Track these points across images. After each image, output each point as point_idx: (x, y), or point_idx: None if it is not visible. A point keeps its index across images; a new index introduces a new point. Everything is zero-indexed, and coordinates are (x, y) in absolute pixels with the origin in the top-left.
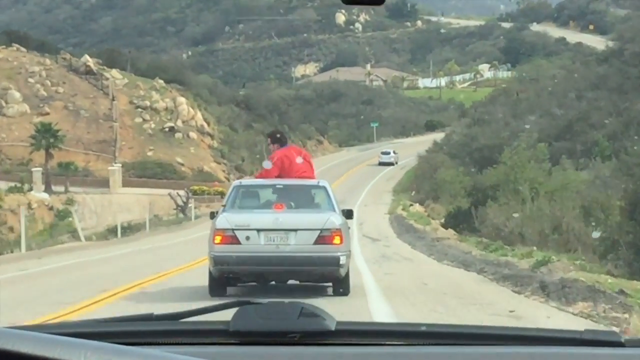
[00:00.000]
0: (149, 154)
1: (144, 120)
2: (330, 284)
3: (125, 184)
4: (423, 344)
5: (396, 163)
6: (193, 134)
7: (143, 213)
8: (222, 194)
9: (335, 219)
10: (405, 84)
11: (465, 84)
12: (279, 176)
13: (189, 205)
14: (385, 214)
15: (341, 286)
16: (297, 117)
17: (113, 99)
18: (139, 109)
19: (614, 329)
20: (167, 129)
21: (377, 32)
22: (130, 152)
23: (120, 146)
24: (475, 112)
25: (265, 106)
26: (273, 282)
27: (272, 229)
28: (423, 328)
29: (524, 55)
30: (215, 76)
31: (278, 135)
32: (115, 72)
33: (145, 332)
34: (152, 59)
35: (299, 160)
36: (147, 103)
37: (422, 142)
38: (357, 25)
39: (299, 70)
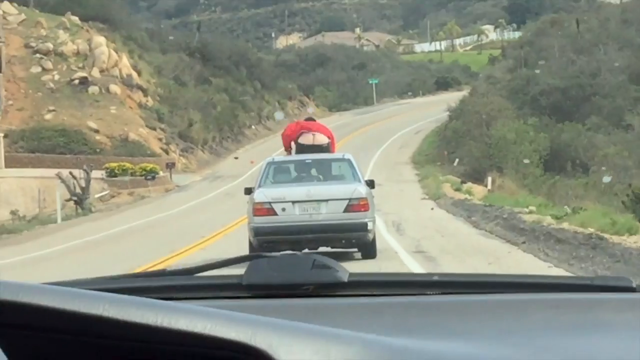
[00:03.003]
0: (48, 117)
1: (44, 69)
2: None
3: (10, 162)
4: (435, 294)
5: None
6: (115, 88)
7: (32, 205)
8: (151, 173)
9: (361, 189)
10: (400, 49)
11: (468, 48)
12: (290, 136)
13: (102, 194)
14: (423, 199)
15: (369, 250)
16: (273, 72)
17: None
18: (38, 55)
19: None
20: (77, 81)
21: None
22: (20, 115)
23: (5, 107)
24: (521, 49)
25: (230, 57)
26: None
27: (305, 200)
28: (435, 278)
29: (532, 13)
30: None
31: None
32: (7, 6)
33: (158, 287)
34: None
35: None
36: (50, 46)
37: (435, 102)
38: None
39: (282, 42)
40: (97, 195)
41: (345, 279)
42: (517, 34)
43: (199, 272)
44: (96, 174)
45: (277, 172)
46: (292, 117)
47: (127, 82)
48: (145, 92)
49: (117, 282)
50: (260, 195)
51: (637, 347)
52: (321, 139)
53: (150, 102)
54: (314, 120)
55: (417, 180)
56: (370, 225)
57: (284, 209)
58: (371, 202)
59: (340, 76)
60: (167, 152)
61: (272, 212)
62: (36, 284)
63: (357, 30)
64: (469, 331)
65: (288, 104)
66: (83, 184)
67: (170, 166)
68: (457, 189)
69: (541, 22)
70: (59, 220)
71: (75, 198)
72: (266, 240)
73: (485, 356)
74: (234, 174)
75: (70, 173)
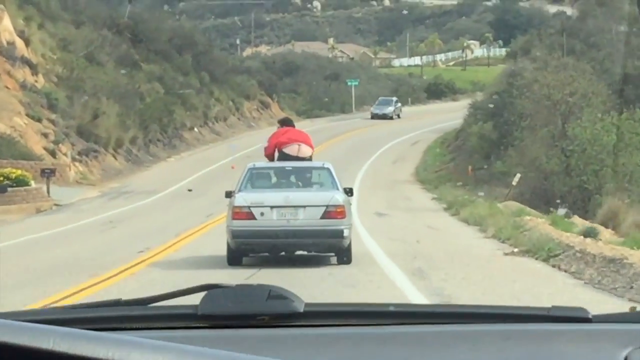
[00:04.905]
0: None
1: None
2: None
3: None
4: (391, 324)
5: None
6: None
7: None
8: (24, 182)
9: (338, 197)
10: (377, 62)
11: (451, 63)
12: (277, 144)
13: None
14: (509, 255)
15: (344, 256)
16: (228, 64)
17: None
18: None
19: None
20: None
21: (339, 11)
22: None
23: None
24: (562, 33)
25: (170, 39)
26: (283, 253)
27: (283, 206)
28: (391, 308)
29: (519, 29)
30: None
31: (285, 120)
32: None
33: (113, 317)
34: None
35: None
36: None
37: (428, 112)
38: (316, 3)
39: (248, 53)
40: None
41: (301, 309)
42: (504, 50)
43: (153, 302)
44: None
45: (258, 178)
46: (250, 120)
47: (6, 53)
48: (34, 68)
49: (71, 312)
50: (239, 200)
51: None
52: (305, 151)
53: (40, 82)
54: (292, 121)
55: (442, 209)
56: (346, 232)
57: (262, 214)
58: (348, 209)
59: (312, 83)
60: (53, 155)
61: (250, 216)
62: None
63: (331, 40)
64: None
65: (245, 104)
66: None
67: (48, 174)
68: (588, 235)
69: (585, 2)
70: None
71: None
72: (244, 243)
73: None
74: (150, 189)
75: None
